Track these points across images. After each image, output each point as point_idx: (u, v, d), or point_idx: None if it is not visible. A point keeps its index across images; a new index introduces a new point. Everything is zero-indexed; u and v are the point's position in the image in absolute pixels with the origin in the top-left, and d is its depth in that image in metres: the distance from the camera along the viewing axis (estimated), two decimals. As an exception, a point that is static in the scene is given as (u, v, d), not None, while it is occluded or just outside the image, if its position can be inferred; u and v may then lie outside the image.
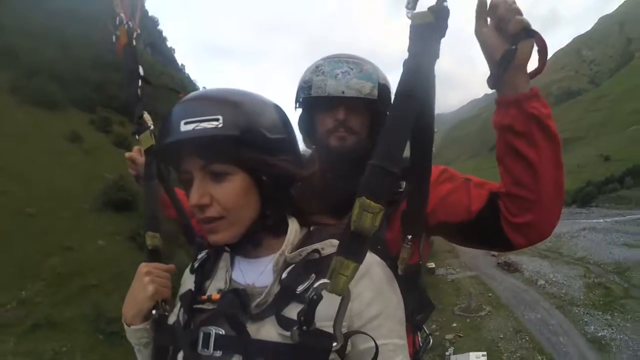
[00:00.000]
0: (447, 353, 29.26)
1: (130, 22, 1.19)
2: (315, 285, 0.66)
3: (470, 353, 26.72)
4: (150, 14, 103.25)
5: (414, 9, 0.70)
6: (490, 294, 42.61)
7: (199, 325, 0.81)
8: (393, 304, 0.81)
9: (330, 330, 0.67)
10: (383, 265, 0.85)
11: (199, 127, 0.74)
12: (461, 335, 32.59)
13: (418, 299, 0.98)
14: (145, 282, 0.94)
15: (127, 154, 1.44)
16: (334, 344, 0.67)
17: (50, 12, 48.41)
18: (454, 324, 36.02)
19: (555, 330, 30.84)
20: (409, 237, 0.89)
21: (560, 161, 0.92)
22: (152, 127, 1.15)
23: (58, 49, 38.97)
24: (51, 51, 37.40)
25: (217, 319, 0.80)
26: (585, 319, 31.68)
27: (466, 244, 1.14)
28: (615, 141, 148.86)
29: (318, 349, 0.69)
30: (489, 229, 1.02)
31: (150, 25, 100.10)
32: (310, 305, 0.66)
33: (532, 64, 0.88)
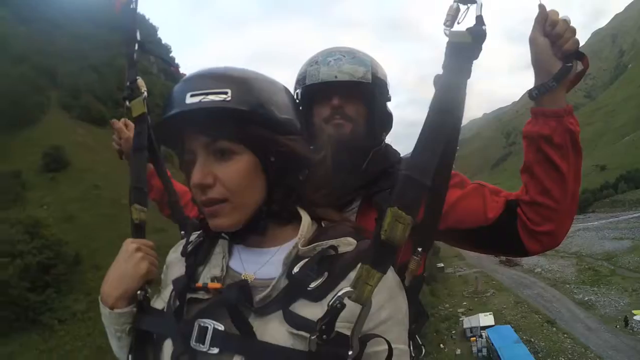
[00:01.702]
0: (460, 319, 35.39)
1: None
2: (340, 293, 0.64)
3: (479, 314, 32.83)
4: (163, 42, 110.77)
5: (452, 27, 0.74)
6: (494, 282, 49.74)
7: (195, 317, 0.75)
8: (402, 310, 0.81)
9: (345, 332, 0.67)
10: (393, 271, 0.84)
11: (206, 100, 0.71)
12: (471, 309, 38.69)
13: (415, 309, 0.95)
14: (137, 258, 0.89)
15: (115, 125, 1.39)
16: (350, 352, 0.65)
17: (72, 35, 54.56)
18: (464, 303, 42.24)
19: (549, 299, 37.33)
20: (420, 249, 0.90)
21: (580, 176, 1.01)
22: (145, 93, 1.12)
23: (89, 71, 45.53)
24: (86, 73, 44.04)
25: (217, 312, 0.75)
26: (575, 291, 38.21)
27: (476, 249, 1.18)
28: (611, 151, 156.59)
29: (333, 358, 0.66)
30: (505, 235, 1.06)
31: (163, 52, 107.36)
32: (333, 313, 0.65)
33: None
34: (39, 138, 33.61)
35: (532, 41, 0.92)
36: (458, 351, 29.32)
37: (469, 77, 0.73)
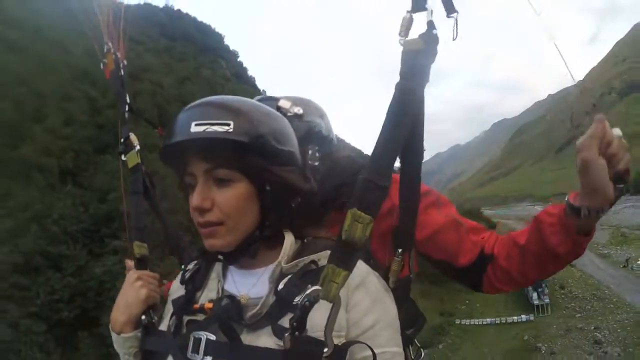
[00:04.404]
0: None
1: (117, 53, 1.34)
2: (308, 291, 0.70)
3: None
4: (231, 48, 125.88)
5: (407, 36, 0.79)
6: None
7: (190, 330, 0.86)
8: (390, 313, 0.87)
9: (320, 339, 0.71)
10: (378, 276, 0.91)
11: (209, 130, 0.79)
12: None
13: (409, 313, 1.01)
14: (137, 286, 1.03)
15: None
16: (325, 349, 0.71)
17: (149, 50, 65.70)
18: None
19: (576, 253, 47.84)
20: (400, 250, 0.95)
21: None
22: (138, 147, 1.27)
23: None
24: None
25: (210, 324, 0.84)
26: (601, 248, 48.82)
27: (440, 272, 1.26)
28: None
29: (309, 355, 0.72)
30: (468, 278, 1.21)
31: (232, 59, 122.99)
32: (303, 311, 0.70)
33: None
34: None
35: (590, 163, 0.83)
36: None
37: (427, 81, 0.78)
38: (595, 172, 0.84)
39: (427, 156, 1.18)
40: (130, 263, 1.23)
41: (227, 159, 0.83)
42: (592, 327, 26.70)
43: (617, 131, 0.86)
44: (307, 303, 0.70)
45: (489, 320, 30.59)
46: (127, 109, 1.36)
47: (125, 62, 1.38)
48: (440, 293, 29.96)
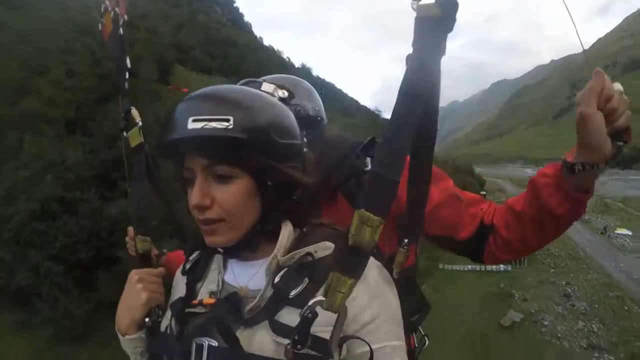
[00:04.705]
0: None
1: (116, 9, 1.18)
2: (310, 302, 0.66)
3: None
4: None
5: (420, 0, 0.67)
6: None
7: (192, 335, 0.83)
8: (391, 306, 0.84)
9: (325, 336, 0.70)
10: (379, 267, 0.86)
11: (208, 126, 0.75)
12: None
13: (414, 300, 0.99)
14: (138, 289, 0.99)
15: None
16: None
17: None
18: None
19: (558, 217, 50.47)
20: (406, 240, 0.91)
21: None
22: (140, 123, 1.15)
23: (176, 30, 56.05)
24: (177, 33, 54.44)
25: (210, 329, 0.82)
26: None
27: (439, 246, 1.28)
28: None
29: None
30: (469, 250, 1.19)
31: (229, 4, 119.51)
32: (305, 323, 0.67)
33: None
34: (184, 85, 48.13)
35: (587, 117, 0.81)
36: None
37: (443, 53, 0.68)
38: (592, 126, 0.82)
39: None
40: (132, 231, 1.15)
41: (227, 155, 0.78)
42: (564, 283, 28.93)
43: (617, 86, 0.82)
44: (309, 314, 0.67)
45: (469, 267, 32.72)
46: (127, 76, 1.23)
47: (125, 17, 1.24)
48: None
